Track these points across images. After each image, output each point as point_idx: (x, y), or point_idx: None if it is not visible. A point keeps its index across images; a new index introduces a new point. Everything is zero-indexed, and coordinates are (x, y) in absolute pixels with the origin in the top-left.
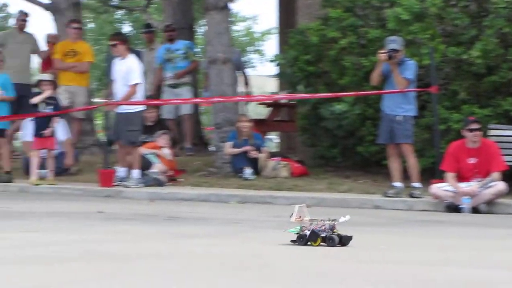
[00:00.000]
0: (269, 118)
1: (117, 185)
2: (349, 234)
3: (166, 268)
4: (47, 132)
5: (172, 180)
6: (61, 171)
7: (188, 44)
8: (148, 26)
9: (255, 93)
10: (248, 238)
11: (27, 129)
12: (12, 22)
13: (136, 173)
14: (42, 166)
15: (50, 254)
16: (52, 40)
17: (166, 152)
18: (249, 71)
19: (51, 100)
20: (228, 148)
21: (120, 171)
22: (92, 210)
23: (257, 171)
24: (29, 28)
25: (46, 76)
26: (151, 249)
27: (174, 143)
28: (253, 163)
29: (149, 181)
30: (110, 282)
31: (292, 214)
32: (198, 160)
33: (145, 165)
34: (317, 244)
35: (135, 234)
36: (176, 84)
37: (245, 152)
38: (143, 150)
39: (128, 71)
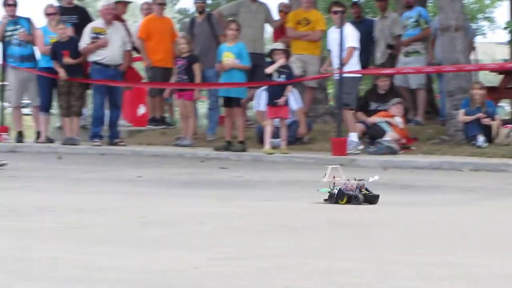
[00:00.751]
0: (501, 85)
1: (350, 154)
2: (376, 193)
3: (397, 235)
4: (280, 101)
5: (404, 148)
6: (294, 140)
7: (421, 11)
8: None
9: (484, 60)
10: (482, 206)
11: (260, 99)
12: None
13: (352, 136)
14: (275, 135)
15: (282, 222)
16: (284, 9)
17: (398, 120)
18: (477, 39)
19: (284, 69)
20: (461, 116)
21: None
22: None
23: (489, 139)
24: None
25: (279, 45)
26: (383, 217)
27: (406, 111)
28: (486, 130)
29: (382, 149)
30: (342, 251)
31: (325, 174)
32: (430, 128)
33: (378, 133)
34: (343, 202)
35: None
36: (406, 52)
37: (478, 120)
38: (375, 118)
39: (345, 39)
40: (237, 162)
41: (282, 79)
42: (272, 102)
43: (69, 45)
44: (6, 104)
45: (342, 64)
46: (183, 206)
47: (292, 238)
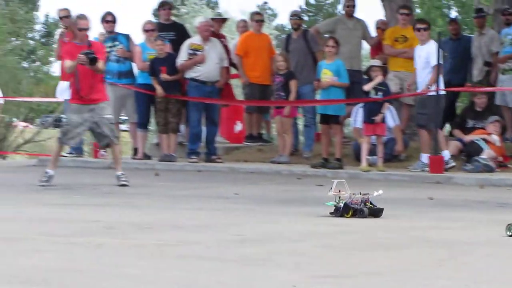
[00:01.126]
0: None
1: (447, 171)
2: (380, 207)
3: (497, 255)
4: (377, 118)
5: (501, 166)
6: (391, 158)
7: None
8: (479, 10)
9: None
10: None
11: (357, 116)
12: (340, 8)
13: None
14: (372, 152)
15: (378, 240)
16: (381, 26)
17: (495, 138)
18: None
19: (381, 86)
20: None
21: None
22: (422, 197)
23: None
24: (358, 14)
25: (377, 62)
26: (482, 236)
27: (504, 130)
28: None
29: (478, 167)
30: (441, 270)
31: (331, 188)
32: None
33: (475, 151)
34: (349, 215)
35: (466, 220)
36: (502, 70)
37: None
38: (472, 136)
39: (428, 56)
40: (334, 180)
41: (379, 96)
42: (369, 119)
43: (167, 62)
44: None
45: (436, 81)
46: (279, 224)
47: (388, 256)
